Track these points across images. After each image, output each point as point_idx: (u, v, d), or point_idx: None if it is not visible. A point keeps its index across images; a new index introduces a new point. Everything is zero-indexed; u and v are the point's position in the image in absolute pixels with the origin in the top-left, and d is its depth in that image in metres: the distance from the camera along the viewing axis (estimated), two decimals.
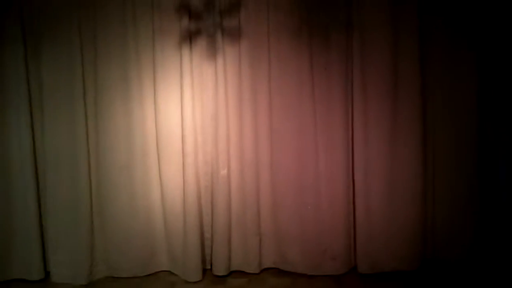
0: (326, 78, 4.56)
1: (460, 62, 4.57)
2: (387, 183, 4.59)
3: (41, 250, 4.63)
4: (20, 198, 4.56)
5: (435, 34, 4.57)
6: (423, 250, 4.70)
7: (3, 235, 4.59)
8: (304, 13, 4.53)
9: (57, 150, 4.54)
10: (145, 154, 4.60)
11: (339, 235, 4.65)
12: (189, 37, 4.50)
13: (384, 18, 4.52)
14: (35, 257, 4.60)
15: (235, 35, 4.51)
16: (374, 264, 4.63)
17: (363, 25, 4.52)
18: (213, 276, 4.64)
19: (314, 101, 4.57)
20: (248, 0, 4.52)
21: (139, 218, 4.63)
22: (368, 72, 4.54)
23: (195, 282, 4.56)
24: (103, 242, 4.69)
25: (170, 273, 4.72)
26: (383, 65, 4.53)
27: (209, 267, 4.72)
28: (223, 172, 4.56)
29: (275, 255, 4.70)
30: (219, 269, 4.62)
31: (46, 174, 4.57)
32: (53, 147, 4.54)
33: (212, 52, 4.52)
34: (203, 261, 4.67)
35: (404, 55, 4.53)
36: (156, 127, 4.58)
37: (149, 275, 4.70)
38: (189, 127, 4.53)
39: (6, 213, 4.58)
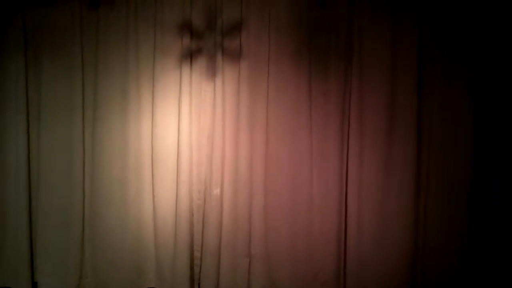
0: (324, 104, 4.59)
1: (457, 96, 4.58)
2: (379, 210, 4.60)
3: (30, 260, 4.60)
4: (11, 207, 4.56)
5: (434, 66, 4.59)
6: (413, 278, 4.67)
7: None
8: (304, 37, 4.57)
9: (52, 160, 4.55)
10: (139, 169, 4.59)
11: (330, 260, 4.64)
12: (190, 56, 4.54)
13: (384, 47, 4.56)
14: (24, 267, 4.57)
15: (235, 56, 4.55)
16: None
17: (362, 52, 4.56)
18: None
19: (311, 126, 4.59)
20: (250, 22, 4.56)
21: (130, 233, 4.61)
22: (366, 100, 4.56)
23: None
24: (93, 255, 4.66)
25: None
26: (381, 94, 4.56)
27: (197, 286, 4.68)
28: (216, 191, 4.56)
29: (265, 278, 4.65)
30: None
31: (39, 184, 4.56)
32: (48, 157, 4.54)
33: (212, 71, 4.55)
34: (192, 280, 4.64)
35: (402, 85, 4.56)
36: (152, 143, 4.58)
37: None
38: (185, 144, 4.54)
39: None
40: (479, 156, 4.63)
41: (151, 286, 4.70)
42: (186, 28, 4.51)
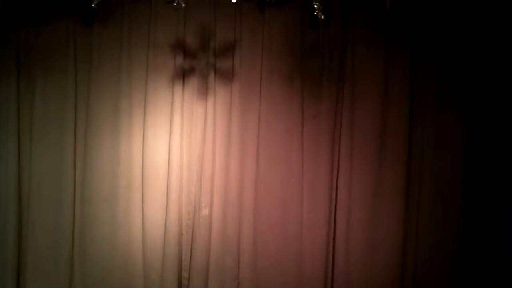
0: (315, 126, 4.61)
1: (449, 121, 4.63)
2: (368, 234, 4.62)
3: (17, 279, 4.55)
4: (0, 225, 4.51)
5: (427, 91, 4.63)
6: None
7: None
8: (297, 60, 4.60)
9: (43, 179, 4.53)
10: (129, 188, 4.56)
11: (318, 282, 4.62)
12: (183, 76, 4.55)
13: (377, 71, 4.62)
14: (11, 285, 4.52)
15: (227, 76, 4.56)
16: None
17: (355, 76, 4.60)
18: None
19: (302, 148, 4.60)
20: (243, 43, 4.57)
21: (118, 253, 4.56)
22: (357, 124, 4.60)
23: None
24: (82, 274, 4.60)
25: None
26: (372, 118, 4.60)
27: None
28: (205, 212, 4.55)
29: None
30: None
31: (29, 202, 4.53)
32: (39, 176, 4.52)
33: (204, 91, 4.56)
34: None
35: (394, 109, 4.60)
36: (143, 162, 4.55)
37: None
38: (175, 164, 4.53)
39: None
40: (471, 182, 4.65)
41: None
42: (179, 47, 4.53)
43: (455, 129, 4.62)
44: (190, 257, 4.59)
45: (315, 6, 3.53)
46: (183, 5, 3.68)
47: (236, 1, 3.67)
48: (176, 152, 4.54)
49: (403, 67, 4.61)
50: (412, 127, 4.62)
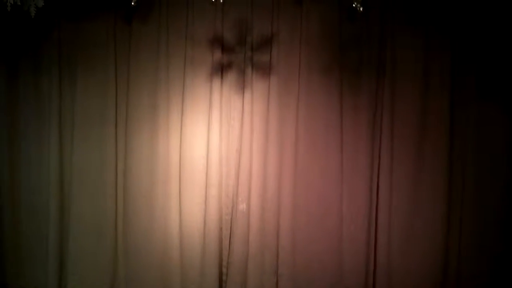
0: (355, 119, 4.55)
1: (491, 112, 4.51)
2: (409, 227, 4.54)
3: (59, 272, 4.66)
4: (44, 218, 4.64)
5: (468, 81, 4.52)
6: None
7: (21, 253, 4.69)
8: (336, 52, 4.54)
9: (84, 174, 4.62)
10: (167, 184, 4.60)
11: (359, 278, 4.56)
12: (221, 70, 4.56)
13: (417, 62, 4.52)
14: (53, 275, 4.64)
15: (265, 70, 4.55)
16: None
17: (395, 67, 4.52)
18: None
19: (341, 142, 4.54)
20: (280, 36, 4.55)
21: (156, 248, 4.61)
22: (397, 116, 4.52)
23: None
24: (125, 269, 4.68)
25: None
26: (412, 110, 4.52)
27: None
28: (242, 206, 4.55)
29: None
30: None
31: (70, 197, 4.63)
32: (80, 170, 4.62)
33: (241, 86, 4.56)
34: None
35: (435, 101, 4.51)
36: (180, 157, 4.59)
37: None
38: (214, 159, 4.55)
39: (28, 232, 4.67)
40: None
41: None
42: (217, 42, 4.55)
43: (498, 120, 4.49)
44: (229, 252, 4.60)
45: None
46: (221, 0, 3.70)
47: None
48: (215, 147, 4.55)
49: (444, 58, 4.50)
50: (454, 118, 4.50)
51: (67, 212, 4.65)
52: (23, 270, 4.69)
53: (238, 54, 4.56)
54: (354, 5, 3.57)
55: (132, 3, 3.68)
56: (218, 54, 4.56)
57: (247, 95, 4.56)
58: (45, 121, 4.62)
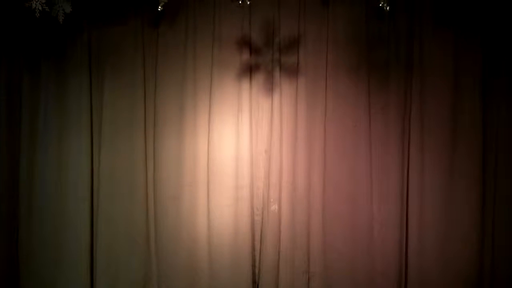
0: (383, 119, 4.52)
1: None
2: (441, 227, 4.47)
3: (90, 275, 4.69)
4: (73, 222, 4.66)
5: (499, 78, 4.45)
6: None
7: (53, 257, 4.68)
8: (363, 52, 4.52)
9: (114, 177, 4.64)
10: (195, 186, 4.61)
11: (390, 278, 4.53)
12: (249, 72, 4.56)
13: (446, 60, 4.47)
14: (83, 281, 4.66)
15: (293, 71, 4.54)
16: None
17: (423, 66, 4.48)
18: None
19: (370, 141, 4.52)
20: (307, 37, 4.55)
21: (186, 250, 4.62)
22: (427, 115, 4.46)
23: None
24: (158, 272, 4.70)
25: None
26: (442, 109, 4.46)
27: None
28: (274, 207, 4.56)
29: None
30: None
31: (99, 199, 4.64)
32: (110, 173, 4.64)
33: (269, 87, 4.56)
34: None
35: (465, 99, 4.45)
36: (208, 159, 4.59)
37: None
38: (244, 160, 4.55)
39: (58, 235, 4.68)
40: None
41: None
42: (244, 44, 4.55)
43: None
44: (260, 253, 4.60)
45: None
46: (248, 2, 3.70)
47: None
48: (244, 148, 4.56)
49: (473, 56, 4.44)
50: (485, 117, 4.44)
51: (97, 215, 4.67)
52: (53, 275, 4.69)
53: (265, 55, 4.56)
54: (381, 5, 3.56)
55: (160, 7, 3.72)
56: (245, 56, 4.56)
57: (276, 96, 4.56)
58: (75, 124, 4.64)
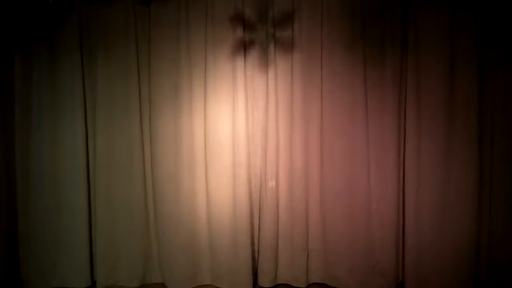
0: (380, 94, 4.49)
1: None
2: (438, 201, 4.50)
3: (90, 258, 4.69)
4: (70, 206, 4.61)
5: (495, 52, 4.46)
6: (476, 271, 4.58)
7: (52, 240, 4.66)
8: (358, 27, 4.46)
9: (111, 157, 4.60)
10: (192, 165, 4.58)
11: (388, 252, 4.58)
12: (243, 48, 4.49)
13: (441, 35, 4.43)
14: (83, 266, 4.66)
15: (287, 47, 4.48)
16: (422, 281, 4.55)
17: (418, 41, 4.44)
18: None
19: (367, 117, 4.50)
20: (302, 12, 4.48)
21: (183, 230, 4.62)
22: (423, 91, 4.44)
23: None
24: (157, 253, 4.74)
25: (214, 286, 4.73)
26: (438, 84, 4.43)
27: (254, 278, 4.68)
28: (271, 184, 4.54)
29: (323, 271, 4.66)
30: (265, 281, 4.61)
31: (96, 181, 4.61)
32: (106, 155, 4.59)
33: (264, 63, 4.51)
34: (251, 274, 4.62)
35: (461, 73, 4.42)
36: (205, 138, 4.56)
37: None
38: (242, 137, 4.51)
39: (56, 218, 4.65)
40: None
41: (205, 283, 4.74)
42: (238, 20, 4.45)
43: None
44: (259, 230, 4.63)
45: None
46: None
47: None
48: (240, 127, 4.51)
49: (469, 27, 4.40)
50: (482, 93, 4.45)
51: (94, 198, 4.64)
52: (52, 263, 4.68)
53: (260, 32, 4.48)
54: None
55: None
56: (239, 32, 4.47)
57: (271, 72, 4.51)
58: (68, 105, 4.56)
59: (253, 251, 4.65)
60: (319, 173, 4.55)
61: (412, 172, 4.50)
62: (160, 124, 4.56)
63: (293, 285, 4.64)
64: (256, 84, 4.56)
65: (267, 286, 4.61)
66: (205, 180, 4.60)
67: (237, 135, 4.51)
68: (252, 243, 4.64)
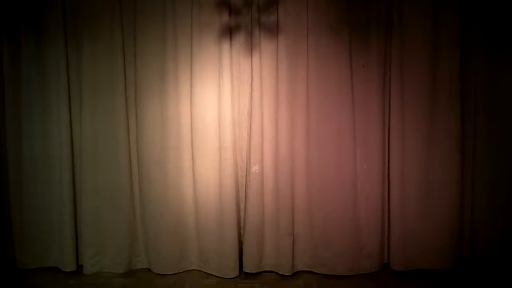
0: (365, 76, 4.53)
1: (502, 65, 4.51)
2: (423, 182, 4.58)
3: (75, 240, 4.69)
4: (56, 190, 4.63)
5: (477, 34, 4.53)
6: (459, 249, 4.67)
7: (34, 230, 4.69)
8: (343, 10, 4.48)
9: (96, 142, 4.58)
10: (179, 149, 4.58)
11: (374, 234, 4.63)
12: (229, 33, 4.48)
13: (424, 17, 4.48)
14: (69, 250, 4.65)
15: (273, 31, 4.48)
16: (407, 261, 4.62)
17: (402, 24, 4.48)
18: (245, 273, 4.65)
19: (353, 99, 4.52)
20: None
21: (170, 214, 4.63)
22: (407, 71, 4.50)
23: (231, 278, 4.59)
24: (144, 236, 4.75)
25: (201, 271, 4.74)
26: (422, 65, 4.50)
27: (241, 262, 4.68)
28: (255, 168, 4.54)
29: (309, 256, 4.66)
30: (250, 266, 4.62)
31: (81, 166, 4.61)
32: (92, 139, 4.57)
33: (249, 48, 4.50)
34: (237, 259, 4.63)
35: (444, 55, 4.49)
36: (192, 122, 4.55)
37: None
38: (226, 122, 4.51)
39: (41, 208, 4.66)
40: None
41: (192, 268, 4.75)
42: (224, 4, 4.45)
43: (510, 75, 4.50)
44: (245, 214, 4.62)
45: None
46: None
47: None
48: (226, 111, 4.51)
49: (452, 10, 4.47)
50: (464, 75, 4.53)
51: (80, 184, 4.63)
52: (37, 247, 4.70)
53: (245, 16, 4.48)
54: None
55: None
56: (225, 17, 4.47)
57: (256, 57, 4.50)
58: (53, 91, 4.55)
59: (240, 235, 4.66)
60: (304, 156, 4.56)
61: (397, 152, 4.56)
62: (146, 108, 4.55)
63: (279, 272, 4.62)
64: (242, 68, 4.57)
65: (253, 271, 4.61)
66: (191, 163, 4.59)
67: (223, 118, 4.51)
68: (239, 227, 4.66)
